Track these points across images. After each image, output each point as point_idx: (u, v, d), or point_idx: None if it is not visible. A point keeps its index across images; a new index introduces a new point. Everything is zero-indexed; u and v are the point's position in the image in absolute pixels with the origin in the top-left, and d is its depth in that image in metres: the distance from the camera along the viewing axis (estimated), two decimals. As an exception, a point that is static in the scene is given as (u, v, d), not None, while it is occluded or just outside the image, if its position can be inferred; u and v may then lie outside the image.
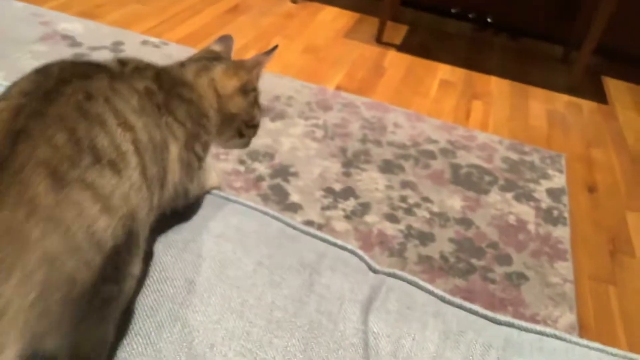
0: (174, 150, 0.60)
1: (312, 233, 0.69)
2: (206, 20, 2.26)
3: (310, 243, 0.66)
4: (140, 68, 0.62)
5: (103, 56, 1.75)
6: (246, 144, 0.78)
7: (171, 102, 0.61)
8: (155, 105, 0.58)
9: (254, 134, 0.77)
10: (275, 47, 0.74)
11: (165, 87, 0.61)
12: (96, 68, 0.57)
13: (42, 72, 0.54)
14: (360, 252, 0.67)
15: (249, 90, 0.71)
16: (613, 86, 2.37)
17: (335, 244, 0.67)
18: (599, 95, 2.26)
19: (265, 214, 0.72)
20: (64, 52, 1.81)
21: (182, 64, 0.69)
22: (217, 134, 0.70)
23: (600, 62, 2.53)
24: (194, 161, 0.64)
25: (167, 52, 1.94)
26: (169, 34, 2.09)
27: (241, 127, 0.74)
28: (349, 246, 0.67)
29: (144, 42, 1.97)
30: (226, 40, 0.81)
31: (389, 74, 2.15)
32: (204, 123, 0.66)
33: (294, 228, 0.69)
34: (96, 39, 1.92)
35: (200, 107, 0.66)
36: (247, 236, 0.65)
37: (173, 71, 0.66)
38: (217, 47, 0.77)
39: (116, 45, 1.91)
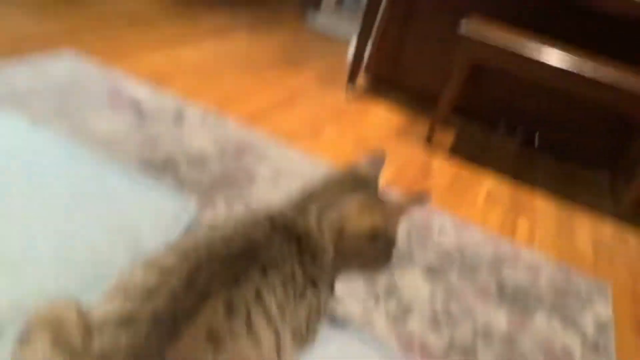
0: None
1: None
2: (265, 103, 2.33)
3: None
4: (286, 238, 0.66)
5: (165, 123, 1.79)
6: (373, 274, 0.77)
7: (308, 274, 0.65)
8: (297, 289, 0.62)
9: (380, 272, 0.74)
10: (429, 196, 0.71)
11: (304, 256, 0.64)
12: (245, 263, 0.61)
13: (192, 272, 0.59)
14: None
15: (378, 237, 0.68)
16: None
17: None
18: (646, 227, 2.22)
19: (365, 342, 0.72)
20: (127, 114, 1.86)
21: (319, 209, 0.69)
22: (335, 267, 0.69)
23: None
24: (315, 304, 0.65)
25: (224, 128, 1.98)
26: (229, 109, 2.15)
27: (364, 267, 0.71)
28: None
29: (204, 117, 2.03)
30: (377, 159, 0.78)
31: (436, 178, 2.16)
32: (318, 260, 0.67)
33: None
34: (160, 106, 1.99)
35: (317, 249, 0.66)
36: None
37: (310, 231, 0.67)
38: (365, 166, 0.76)
39: (178, 115, 1.97)
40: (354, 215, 0.66)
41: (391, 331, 1.31)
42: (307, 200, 0.71)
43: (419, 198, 0.68)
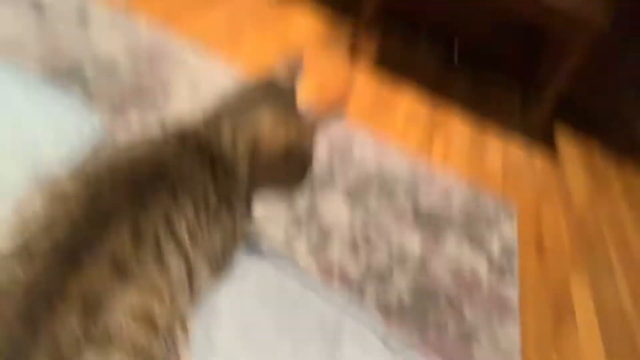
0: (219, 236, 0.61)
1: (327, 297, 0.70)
2: (179, 3, 2.14)
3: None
4: (198, 157, 0.63)
5: (68, 24, 1.60)
6: (289, 193, 0.74)
7: (222, 194, 0.61)
8: (210, 210, 0.59)
9: (296, 190, 0.71)
10: (343, 112, 0.68)
11: (218, 177, 0.62)
12: (152, 187, 0.58)
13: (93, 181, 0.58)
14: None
15: (292, 155, 0.66)
16: (563, 138, 2.46)
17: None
18: (551, 147, 2.34)
19: (285, 272, 0.72)
20: (27, 15, 1.64)
21: (233, 124, 0.65)
22: (250, 182, 0.67)
23: (556, 112, 2.62)
24: (230, 227, 0.63)
25: (136, 31, 1.81)
26: (138, 9, 1.96)
27: (279, 183, 0.69)
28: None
29: (113, 18, 1.84)
30: (294, 66, 0.73)
31: (359, 92, 2.12)
32: (232, 173, 0.64)
33: (310, 288, 0.70)
34: (62, 5, 1.77)
35: (231, 163, 0.63)
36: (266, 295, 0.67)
37: (224, 149, 0.63)
38: (280, 75, 0.72)
39: (82, 12, 1.76)
40: (268, 130, 0.65)
41: (311, 257, 1.32)
42: (220, 114, 0.68)
43: (335, 112, 0.67)
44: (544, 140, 2.38)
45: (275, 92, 0.69)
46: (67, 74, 1.49)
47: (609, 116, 2.69)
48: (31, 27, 1.61)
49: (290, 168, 0.68)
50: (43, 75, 1.45)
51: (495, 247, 1.62)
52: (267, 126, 0.64)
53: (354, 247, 1.41)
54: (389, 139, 1.91)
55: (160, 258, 0.53)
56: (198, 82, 1.72)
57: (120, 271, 0.50)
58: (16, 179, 0.68)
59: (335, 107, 0.66)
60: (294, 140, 0.64)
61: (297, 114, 0.68)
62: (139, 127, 1.46)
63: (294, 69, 0.75)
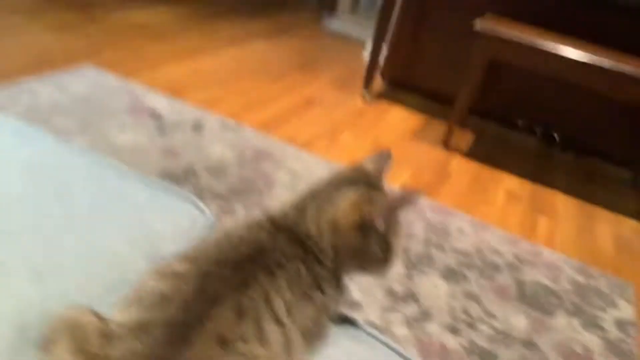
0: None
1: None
2: (282, 109, 2.36)
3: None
4: (289, 238, 0.68)
5: (184, 134, 1.82)
6: (377, 275, 0.75)
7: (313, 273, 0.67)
8: (303, 289, 0.65)
9: (381, 271, 0.74)
10: (419, 192, 0.71)
11: (307, 255, 0.66)
12: (252, 266, 0.64)
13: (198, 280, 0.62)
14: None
15: (367, 229, 0.68)
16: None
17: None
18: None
19: (376, 339, 0.74)
20: (148, 126, 1.91)
21: (316, 207, 0.71)
22: (336, 266, 0.70)
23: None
24: (321, 302, 0.67)
25: (243, 136, 2.02)
26: (247, 117, 2.18)
27: (362, 263, 0.71)
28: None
29: (223, 125, 2.06)
30: (383, 157, 0.78)
31: (455, 179, 2.16)
32: (321, 260, 0.68)
33: (402, 357, 0.70)
34: (179, 117, 2.03)
35: (319, 249, 0.68)
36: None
37: (309, 230, 0.69)
38: (369, 164, 0.77)
39: (197, 125, 2.01)
40: (346, 209, 0.67)
41: (410, 335, 1.32)
42: (308, 198, 0.72)
43: (411, 193, 0.69)
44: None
45: (361, 177, 0.74)
46: (183, 175, 1.68)
47: None
48: (153, 138, 1.85)
49: (370, 247, 0.69)
50: (162, 176, 1.64)
51: (610, 324, 1.51)
52: (346, 206, 0.67)
53: (454, 324, 1.38)
54: (488, 220, 1.90)
55: (261, 334, 0.57)
56: (299, 176, 1.85)
57: (226, 346, 0.54)
58: (139, 267, 0.78)
59: (412, 190, 0.69)
60: (367, 216, 0.67)
61: (378, 193, 0.71)
62: (244, 218, 1.58)
63: (383, 159, 0.79)
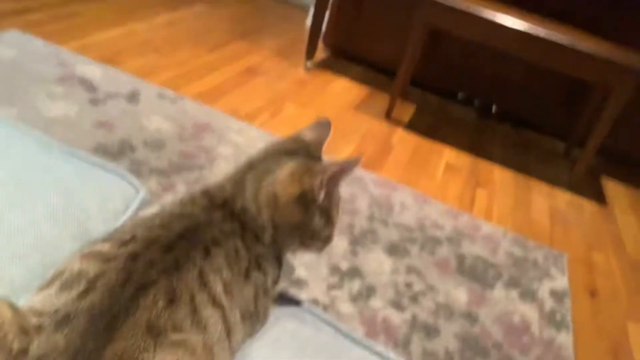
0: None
1: (365, 344, 0.67)
2: (222, 79, 2.28)
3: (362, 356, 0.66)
4: (226, 214, 0.64)
5: (119, 105, 1.74)
6: (318, 251, 0.72)
7: (252, 252, 0.63)
8: (241, 268, 0.61)
9: (323, 247, 0.71)
10: (358, 160, 0.66)
11: (245, 231, 0.63)
12: (186, 245, 0.59)
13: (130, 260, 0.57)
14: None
15: (308, 201, 0.65)
16: (611, 188, 2.41)
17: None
18: (599, 196, 2.30)
19: (321, 320, 0.71)
20: (80, 96, 1.80)
21: (254, 179, 0.67)
22: (276, 243, 0.67)
23: (599, 162, 2.60)
24: (261, 282, 0.63)
25: (182, 107, 1.94)
26: (186, 88, 2.10)
27: (303, 238, 0.68)
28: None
29: (160, 95, 1.97)
30: (322, 127, 0.75)
31: (397, 151, 2.17)
32: (259, 237, 0.65)
33: (348, 337, 0.68)
34: (113, 86, 1.92)
35: (257, 225, 0.64)
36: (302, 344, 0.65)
37: (247, 204, 0.65)
38: (308, 134, 0.73)
39: (133, 95, 1.91)
40: (285, 181, 0.64)
41: (355, 311, 1.32)
42: (245, 170, 0.69)
43: (350, 160, 0.66)
44: (591, 188, 2.34)
45: (300, 147, 0.71)
46: (118, 148, 1.60)
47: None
48: (85, 109, 1.74)
49: (311, 220, 0.67)
50: (96, 150, 1.56)
51: (546, 295, 1.57)
52: (285, 178, 0.64)
53: (398, 299, 1.40)
54: (429, 193, 1.92)
55: (197, 319, 0.54)
56: (242, 150, 1.81)
57: (157, 337, 0.51)
58: (65, 249, 0.73)
59: (354, 157, 0.66)
60: (308, 188, 0.64)
61: (318, 164, 0.68)
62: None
63: (322, 128, 0.75)
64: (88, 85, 1.88)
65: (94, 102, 1.80)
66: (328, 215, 0.68)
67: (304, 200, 0.64)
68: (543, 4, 2.50)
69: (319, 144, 0.73)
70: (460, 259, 1.63)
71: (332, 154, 1.99)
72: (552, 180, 2.30)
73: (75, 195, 0.90)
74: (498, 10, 2.22)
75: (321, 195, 0.65)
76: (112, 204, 0.93)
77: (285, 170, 0.65)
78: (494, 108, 2.73)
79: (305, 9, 3.52)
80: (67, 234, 0.80)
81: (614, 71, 2.08)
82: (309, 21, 2.94)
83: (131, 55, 2.22)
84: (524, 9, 2.39)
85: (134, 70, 2.09)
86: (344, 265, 1.46)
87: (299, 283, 1.35)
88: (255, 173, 0.67)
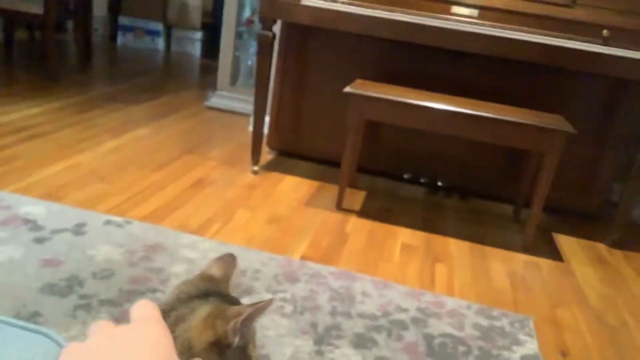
0: None
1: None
2: (171, 196, 2.30)
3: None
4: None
5: (65, 239, 1.72)
6: None
7: None
8: None
9: None
10: (270, 300, 0.67)
11: None
12: None
13: None
14: None
15: (223, 346, 0.64)
16: (564, 242, 2.48)
17: None
18: (554, 253, 2.35)
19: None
20: (25, 237, 1.78)
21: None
22: None
23: (548, 219, 2.68)
24: None
25: (130, 231, 1.93)
26: (133, 211, 2.10)
27: None
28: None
29: (107, 222, 1.97)
30: (226, 260, 0.76)
31: (352, 240, 2.19)
32: None
33: None
34: (58, 221, 1.91)
35: None
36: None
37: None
38: (214, 270, 0.74)
39: (79, 227, 1.90)
40: (199, 329, 0.64)
41: (327, 414, 1.28)
42: (164, 313, 0.68)
43: (263, 302, 0.66)
44: (545, 246, 2.40)
45: (209, 287, 0.70)
46: (67, 285, 1.57)
47: (602, 207, 2.74)
48: (30, 250, 1.72)
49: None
50: (43, 291, 1.52)
51: (518, 363, 1.56)
52: (197, 323, 0.64)
53: (369, 394, 1.36)
54: (389, 277, 1.93)
55: None
56: (195, 265, 1.80)
57: None
58: None
59: (267, 300, 0.66)
60: (222, 333, 0.63)
61: (229, 305, 0.67)
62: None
63: (228, 263, 0.77)
64: (32, 224, 1.87)
65: (40, 240, 1.78)
66: (245, 355, 0.68)
67: (219, 345, 0.64)
68: (464, 86, 2.67)
69: (227, 280, 0.74)
70: (429, 339, 1.62)
71: (288, 252, 2.00)
72: (506, 244, 2.35)
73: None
74: (423, 96, 2.36)
75: (236, 339, 0.64)
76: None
77: (199, 316, 0.65)
78: (440, 183, 2.82)
79: (246, 115, 3.64)
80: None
81: (539, 135, 2.20)
82: (250, 127, 3.04)
83: (76, 188, 2.23)
84: (446, 93, 2.54)
85: (79, 202, 2.10)
86: (311, 368, 1.42)
87: (267, 395, 1.31)
88: (169, 321, 0.66)
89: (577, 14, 2.43)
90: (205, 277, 0.73)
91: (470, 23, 2.39)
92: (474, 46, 2.36)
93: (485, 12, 2.47)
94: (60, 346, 0.78)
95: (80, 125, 3.00)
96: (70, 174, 2.36)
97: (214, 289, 0.70)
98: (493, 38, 2.33)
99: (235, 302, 0.70)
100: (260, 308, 0.65)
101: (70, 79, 3.91)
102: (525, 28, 2.38)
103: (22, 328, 0.78)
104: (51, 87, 3.58)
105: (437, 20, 2.38)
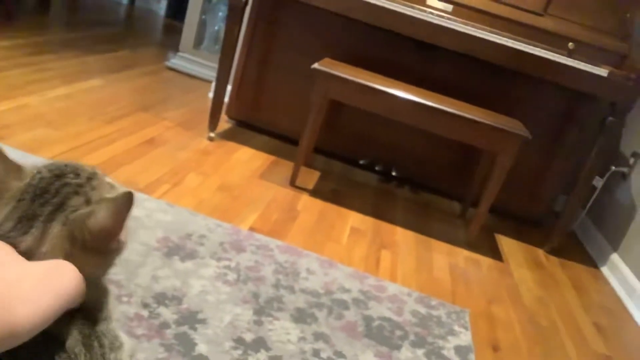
0: None
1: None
2: (120, 151, 2.22)
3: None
4: None
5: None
6: None
7: None
8: None
9: None
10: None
11: None
12: None
13: None
14: None
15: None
16: (505, 244, 2.55)
17: None
18: (494, 252, 2.41)
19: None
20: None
21: None
22: None
23: (493, 220, 2.75)
24: None
25: (75, 181, 1.85)
26: (78, 161, 2.01)
27: None
28: None
29: (52, 168, 1.88)
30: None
31: (302, 217, 2.18)
32: None
33: None
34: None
35: None
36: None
37: None
38: None
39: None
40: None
41: (261, 383, 1.27)
42: None
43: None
44: (487, 245, 2.46)
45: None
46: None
47: (545, 215, 2.83)
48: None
49: None
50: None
51: (451, 353, 1.60)
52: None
53: (305, 367, 1.36)
54: (335, 257, 1.93)
55: None
56: (140, 223, 1.74)
57: None
58: None
59: None
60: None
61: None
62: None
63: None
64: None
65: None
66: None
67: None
68: (428, 79, 2.70)
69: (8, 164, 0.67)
70: (368, 321, 1.63)
71: (236, 221, 1.97)
72: (451, 239, 2.40)
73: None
74: (389, 83, 2.36)
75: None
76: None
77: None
78: (394, 173, 2.84)
79: (207, 81, 3.56)
80: None
81: (496, 136, 2.25)
82: (211, 94, 2.97)
83: (21, 130, 2.12)
84: (412, 84, 2.55)
85: (23, 144, 1.99)
86: (249, 337, 1.41)
87: (201, 359, 1.29)
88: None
89: (546, 23, 2.48)
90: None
91: (443, 17, 2.40)
92: (443, 40, 2.37)
93: (460, 8, 2.49)
94: None
95: (30, 67, 2.85)
96: (16, 114, 2.24)
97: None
98: (463, 35, 2.36)
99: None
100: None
101: (25, 20, 3.71)
102: (496, 30, 2.41)
103: None
104: (4, 26, 3.39)
105: (411, 9, 2.38)
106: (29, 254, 0.59)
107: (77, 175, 0.68)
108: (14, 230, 0.61)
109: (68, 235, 0.62)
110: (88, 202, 0.66)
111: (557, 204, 2.99)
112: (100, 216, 0.63)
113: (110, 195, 0.66)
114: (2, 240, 0.59)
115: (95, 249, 0.64)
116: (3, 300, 0.47)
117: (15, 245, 0.59)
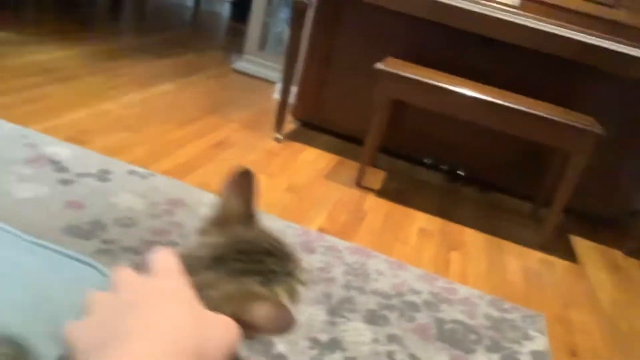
0: None
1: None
2: (192, 154, 2.30)
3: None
4: None
5: (89, 184, 1.73)
6: None
7: None
8: None
9: None
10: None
11: None
12: None
13: None
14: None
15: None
16: (581, 245, 2.46)
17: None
18: (570, 254, 2.34)
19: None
20: (50, 177, 1.78)
21: None
22: None
23: (567, 220, 2.66)
24: None
25: (153, 184, 1.93)
26: (155, 165, 2.10)
27: None
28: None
29: (131, 172, 1.97)
30: (242, 180, 0.57)
31: (370, 218, 2.18)
32: None
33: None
34: (83, 165, 1.91)
35: None
36: None
37: None
38: (231, 201, 0.57)
39: (103, 174, 1.90)
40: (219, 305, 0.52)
41: (337, 384, 1.29)
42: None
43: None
44: (561, 247, 2.39)
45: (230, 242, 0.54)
46: (90, 229, 1.57)
47: (622, 214, 2.72)
48: (55, 191, 1.72)
49: None
50: (67, 232, 1.53)
51: (527, 358, 1.56)
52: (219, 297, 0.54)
53: (380, 369, 1.37)
54: (404, 259, 1.93)
55: None
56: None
57: None
58: (38, 337, 0.70)
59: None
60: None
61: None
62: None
63: (245, 183, 0.58)
64: (58, 165, 1.87)
65: (65, 182, 1.78)
66: None
67: None
68: (495, 76, 2.63)
69: (249, 210, 0.57)
70: (440, 323, 1.62)
71: (305, 222, 1.99)
72: (523, 240, 2.34)
73: (43, 289, 0.88)
74: (456, 82, 2.32)
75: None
76: (82, 294, 0.91)
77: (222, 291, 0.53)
78: (461, 172, 2.80)
79: (271, 82, 3.61)
80: (39, 331, 0.77)
81: (569, 134, 2.17)
82: (276, 94, 3.01)
83: (101, 134, 2.22)
84: (478, 81, 2.50)
85: (103, 148, 2.09)
86: (324, 337, 1.43)
87: (280, 358, 1.32)
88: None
89: (618, 15, 2.38)
90: (224, 221, 0.56)
91: (511, 12, 2.34)
92: (512, 36, 2.31)
93: (528, 3, 2.42)
94: (107, 278, 0.78)
95: (108, 73, 2.99)
96: (96, 120, 2.36)
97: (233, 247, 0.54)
98: (532, 30, 2.29)
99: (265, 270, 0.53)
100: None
101: (99, 27, 3.89)
102: (565, 23, 2.33)
103: (73, 258, 0.79)
104: (80, 32, 3.56)
105: (477, 6, 2.33)
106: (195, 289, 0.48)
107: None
108: (204, 259, 0.52)
109: (242, 299, 0.49)
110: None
111: (634, 202, 2.86)
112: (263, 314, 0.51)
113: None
114: (184, 259, 0.50)
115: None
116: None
117: (189, 273, 0.49)
